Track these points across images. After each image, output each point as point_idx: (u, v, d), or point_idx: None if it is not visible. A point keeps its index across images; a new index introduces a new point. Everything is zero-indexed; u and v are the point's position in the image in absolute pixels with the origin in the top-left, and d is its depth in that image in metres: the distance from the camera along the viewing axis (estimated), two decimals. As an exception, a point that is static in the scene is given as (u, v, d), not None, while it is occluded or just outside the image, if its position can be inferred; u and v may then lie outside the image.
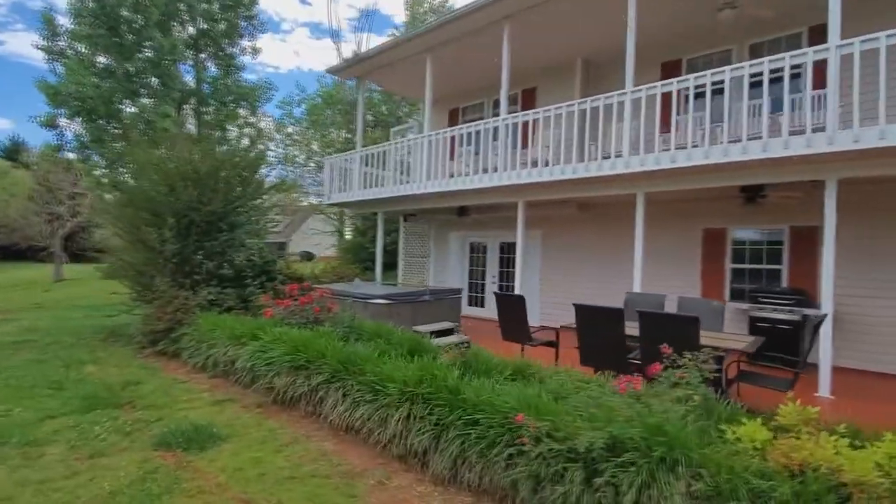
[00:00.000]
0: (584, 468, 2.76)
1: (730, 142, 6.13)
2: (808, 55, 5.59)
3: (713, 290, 8.28)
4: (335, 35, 33.41)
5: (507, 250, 11.56)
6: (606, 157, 7.32)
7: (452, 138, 9.68)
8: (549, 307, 10.29)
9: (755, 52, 8.14)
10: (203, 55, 16.00)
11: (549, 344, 6.28)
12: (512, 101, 11.13)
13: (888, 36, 5.14)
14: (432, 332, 7.08)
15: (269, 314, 6.48)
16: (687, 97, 6.78)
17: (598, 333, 4.94)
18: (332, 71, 11.42)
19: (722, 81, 6.16)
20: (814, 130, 5.57)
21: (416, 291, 8.32)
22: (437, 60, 9.86)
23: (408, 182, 10.47)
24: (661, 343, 4.36)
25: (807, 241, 7.45)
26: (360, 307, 7.73)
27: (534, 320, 10.36)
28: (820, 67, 5.66)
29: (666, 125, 7.10)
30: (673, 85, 6.58)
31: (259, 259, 9.10)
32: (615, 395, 3.35)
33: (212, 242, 8.43)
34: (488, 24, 8.71)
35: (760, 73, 5.87)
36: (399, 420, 3.87)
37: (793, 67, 5.70)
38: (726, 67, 6.13)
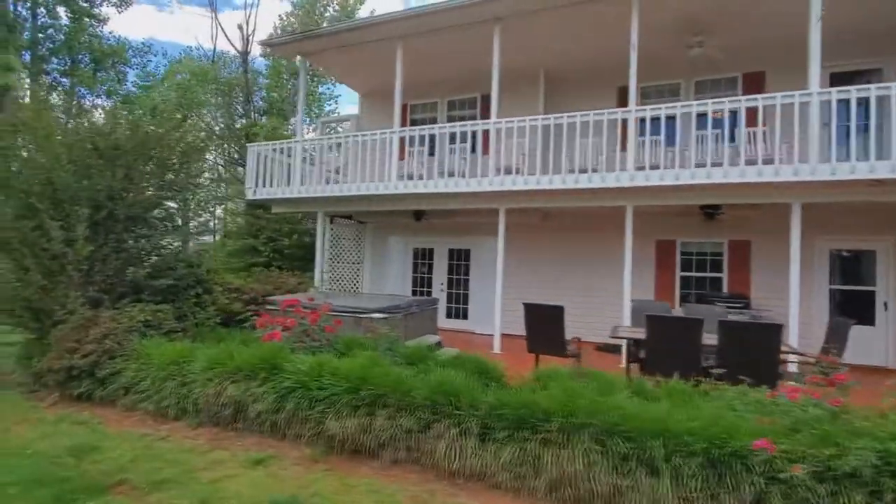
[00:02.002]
0: (863, 490, 2.70)
1: (696, 166, 6.90)
2: (775, 98, 6.58)
3: (665, 295, 9.23)
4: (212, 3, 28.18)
5: (456, 257, 11.25)
6: (594, 171, 7.61)
7: (413, 138, 9.00)
8: (508, 314, 10.27)
9: (699, 87, 9.36)
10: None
11: (575, 355, 6.22)
12: (470, 105, 10.94)
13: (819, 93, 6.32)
14: (429, 347, 6.45)
15: (278, 337, 5.11)
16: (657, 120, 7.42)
17: (672, 342, 5.02)
18: (270, 44, 9.68)
19: (701, 113, 6.93)
20: (764, 162, 6.59)
21: (406, 303, 7.48)
22: (407, 51, 9.10)
23: (344, 181, 9.39)
24: (741, 351, 4.61)
25: (742, 252, 8.80)
26: (351, 323, 6.63)
27: (492, 327, 10.29)
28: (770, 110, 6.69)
29: (622, 145, 7.68)
30: (662, 110, 7.13)
31: (191, 264, 7.21)
32: (795, 407, 3.38)
33: (137, 242, 6.38)
34: (475, 23, 8.34)
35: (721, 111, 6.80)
36: (565, 460, 3.33)
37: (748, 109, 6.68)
38: (694, 102, 6.93)
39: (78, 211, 5.79)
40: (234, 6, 41.73)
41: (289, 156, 10.01)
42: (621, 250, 9.20)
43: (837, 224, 8.14)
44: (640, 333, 5.64)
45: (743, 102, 6.67)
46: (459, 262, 11.21)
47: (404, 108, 11.63)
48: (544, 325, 6.12)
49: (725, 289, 8.89)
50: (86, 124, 6.16)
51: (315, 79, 20.43)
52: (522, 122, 7.97)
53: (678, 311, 8.00)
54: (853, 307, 7.99)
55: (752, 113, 6.98)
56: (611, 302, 9.09)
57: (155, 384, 5.00)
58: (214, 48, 21.99)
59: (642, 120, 7.29)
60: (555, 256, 10.20)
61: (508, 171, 8.41)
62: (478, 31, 8.46)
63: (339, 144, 9.44)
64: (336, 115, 15.74)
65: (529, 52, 9.33)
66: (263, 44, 9.59)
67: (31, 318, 5.97)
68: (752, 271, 8.72)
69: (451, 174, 8.99)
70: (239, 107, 20.68)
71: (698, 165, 6.90)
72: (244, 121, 19.77)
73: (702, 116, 7.25)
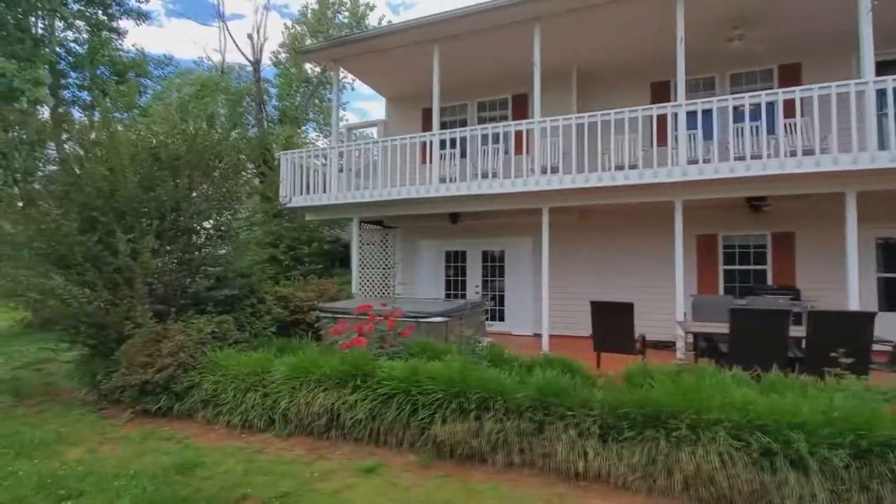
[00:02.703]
0: None
1: (752, 157, 6.90)
2: (830, 88, 6.58)
3: (708, 288, 9.21)
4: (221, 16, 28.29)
5: (490, 258, 11.20)
6: (642, 167, 7.61)
7: (453, 140, 8.97)
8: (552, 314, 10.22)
9: (734, 80, 9.38)
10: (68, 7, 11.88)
11: (640, 352, 6.17)
12: (501, 105, 10.92)
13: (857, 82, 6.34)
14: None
15: (362, 344, 5.03)
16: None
17: (758, 334, 4.98)
18: (306, 51, 9.62)
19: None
20: (820, 152, 6.59)
21: (460, 306, 7.42)
22: (443, 54, 9.07)
23: (379, 186, 9.30)
24: (831, 340, 4.58)
25: (786, 244, 8.80)
26: (401, 326, 6.53)
27: (529, 328, 10.26)
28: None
29: (661, 141, 7.68)
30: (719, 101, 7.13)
31: (244, 275, 7.12)
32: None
33: (199, 253, 6.29)
34: (513, 23, 8.33)
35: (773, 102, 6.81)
36: (700, 458, 3.28)
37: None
38: (761, 92, 6.91)
39: (143, 223, 5.70)
40: (227, 17, 41.57)
41: (324, 163, 9.94)
42: (664, 245, 9.21)
43: (881, 212, 8.16)
44: (719, 327, 5.61)
45: (798, 93, 6.65)
46: (494, 263, 11.16)
47: (430, 112, 11.62)
48: (613, 323, 6.08)
49: (770, 281, 8.88)
50: (142, 135, 6.04)
51: (327, 86, 20.37)
52: (568, 119, 7.95)
53: (740, 303, 7.95)
54: (901, 294, 8.02)
55: (791, 103, 7.00)
56: (655, 298, 9.07)
57: (237, 396, 4.91)
58: (223, 58, 21.89)
59: (691, 114, 7.30)
60: (594, 254, 10.17)
61: (550, 171, 8.40)
62: (515, 31, 8.45)
63: (380, 149, 9.34)
64: (348, 121, 15.62)
65: (563, 50, 9.32)
66: (298, 51, 9.62)
67: (93, 333, 5.85)
68: (796, 262, 8.73)
69: (485, 175, 8.98)
70: (250, 116, 20.59)
71: (754, 157, 6.90)
72: (256, 130, 19.66)
73: (754, 108, 7.22)
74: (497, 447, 3.85)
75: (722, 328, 5.74)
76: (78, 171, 5.80)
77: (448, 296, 11.51)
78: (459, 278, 11.46)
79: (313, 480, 3.61)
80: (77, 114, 12.07)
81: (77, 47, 11.76)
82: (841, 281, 7.34)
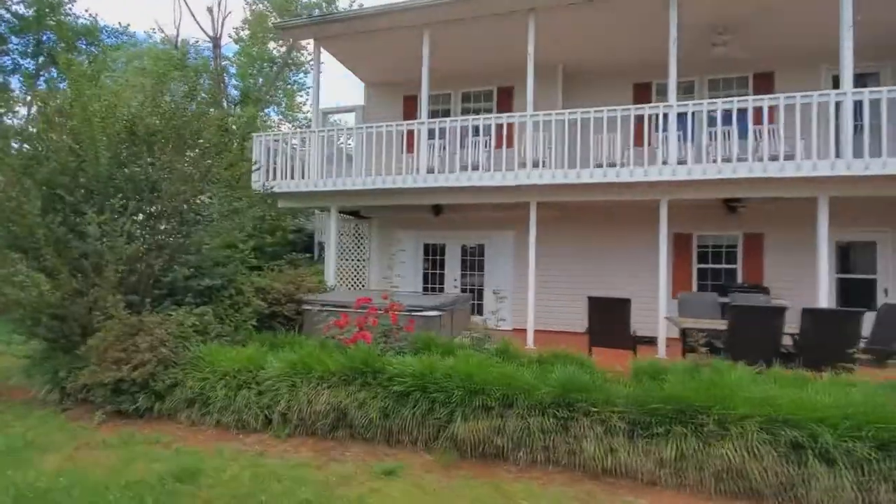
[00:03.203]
0: None
1: (738, 160, 7.23)
2: (812, 97, 6.93)
3: (682, 285, 9.54)
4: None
5: (470, 252, 11.10)
6: (626, 165, 7.77)
7: (442, 130, 8.77)
8: (520, 305, 10.27)
9: (712, 85, 9.73)
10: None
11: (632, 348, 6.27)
12: (486, 97, 10.79)
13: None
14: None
15: (368, 338, 4.76)
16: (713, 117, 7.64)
17: (755, 330, 5.16)
18: (285, 27, 9.02)
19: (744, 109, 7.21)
20: (800, 157, 6.95)
21: (451, 300, 7.27)
22: (432, 41, 8.81)
23: (360, 175, 8.99)
24: (825, 337, 4.82)
25: (756, 244, 9.26)
26: (404, 321, 6.34)
27: (509, 323, 10.23)
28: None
29: (638, 140, 7.89)
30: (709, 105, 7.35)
31: (219, 263, 6.65)
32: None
33: (174, 240, 5.77)
34: (507, 14, 8.20)
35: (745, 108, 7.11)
36: (730, 452, 3.31)
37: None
38: (733, 99, 7.18)
39: (114, 204, 5.13)
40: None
41: (301, 148, 9.46)
42: (643, 243, 9.49)
43: (841, 217, 8.73)
44: (713, 323, 5.78)
45: (782, 100, 6.93)
46: (473, 257, 11.07)
47: (415, 99, 11.33)
48: (610, 318, 6.13)
49: (740, 279, 9.32)
50: (112, 105, 5.41)
51: (293, 67, 19.47)
52: (561, 115, 7.94)
53: (723, 301, 8.20)
54: (856, 295, 8.63)
55: (774, 109, 7.36)
56: (634, 294, 9.28)
57: (228, 394, 4.53)
58: (178, 33, 20.41)
59: (681, 115, 7.47)
60: (575, 250, 10.28)
61: (542, 165, 8.39)
62: (509, 21, 8.34)
63: (363, 135, 8.97)
64: (334, 106, 15.01)
65: (550, 45, 9.28)
66: (277, 27, 8.98)
67: (54, 326, 5.24)
68: (764, 262, 9.21)
69: (474, 168, 8.87)
70: (205, 94, 19.31)
71: (739, 160, 7.16)
72: (213, 111, 18.48)
73: (742, 112, 7.44)
74: (520, 445, 3.75)
75: (716, 324, 5.92)
76: (38, 146, 5.13)
77: (426, 289, 11.33)
78: (438, 271, 11.29)
79: (332, 486, 3.36)
80: (16, 83, 10.77)
81: (23, 10, 10.46)
82: (807, 280, 7.81)
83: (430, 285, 11.31)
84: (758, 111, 7.21)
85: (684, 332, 6.58)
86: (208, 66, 18.90)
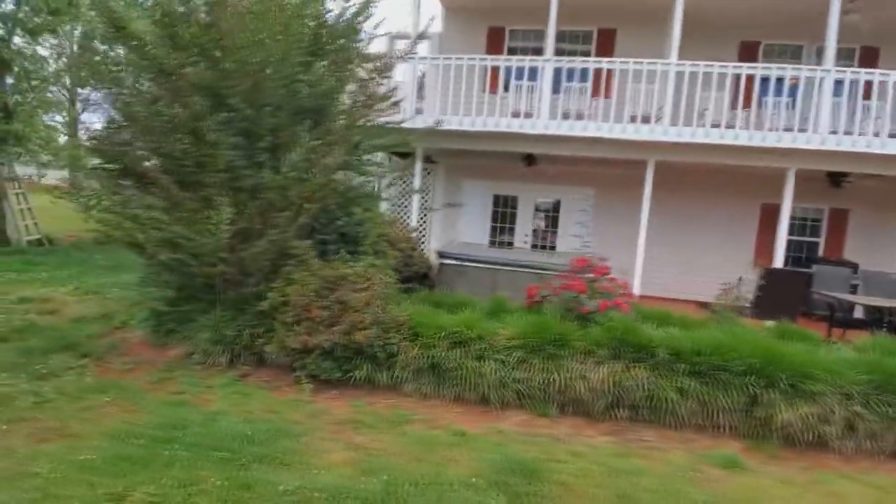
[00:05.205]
0: None
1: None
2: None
3: (764, 256, 9.62)
4: None
5: (543, 207, 10.54)
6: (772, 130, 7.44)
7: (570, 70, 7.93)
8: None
9: (819, 53, 9.41)
10: None
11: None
12: (583, 40, 9.87)
13: None
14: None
15: (625, 308, 4.20)
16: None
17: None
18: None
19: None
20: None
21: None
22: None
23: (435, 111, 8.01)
24: None
25: (840, 219, 9.42)
26: (522, 279, 5.74)
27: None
28: None
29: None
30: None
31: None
32: None
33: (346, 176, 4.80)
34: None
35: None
36: None
37: None
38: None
39: (296, 129, 4.07)
40: None
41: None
42: (735, 210, 9.41)
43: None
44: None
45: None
46: (547, 212, 10.54)
47: (500, 32, 10.19)
48: (783, 291, 5.94)
49: (820, 252, 9.52)
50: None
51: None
52: (710, 66, 7.32)
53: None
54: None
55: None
56: (711, 265, 9.29)
57: (469, 365, 3.87)
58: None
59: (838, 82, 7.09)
60: (653, 214, 10.00)
61: (654, 121, 7.87)
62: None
63: (464, 68, 7.83)
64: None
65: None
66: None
67: (214, 273, 4.23)
68: (847, 237, 9.42)
69: (578, 116, 8.21)
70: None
71: (891, 135, 6.97)
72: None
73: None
74: (845, 434, 3.48)
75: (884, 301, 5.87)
76: (202, 36, 3.86)
77: (492, 243, 10.74)
78: (508, 225, 10.69)
79: (691, 481, 2.92)
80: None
81: None
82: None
83: (496, 239, 10.72)
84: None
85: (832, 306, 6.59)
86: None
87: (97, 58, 4.32)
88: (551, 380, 3.79)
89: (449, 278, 6.15)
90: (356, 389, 3.92)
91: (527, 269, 6.15)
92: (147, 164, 4.29)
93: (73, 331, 4.76)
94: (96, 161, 4.51)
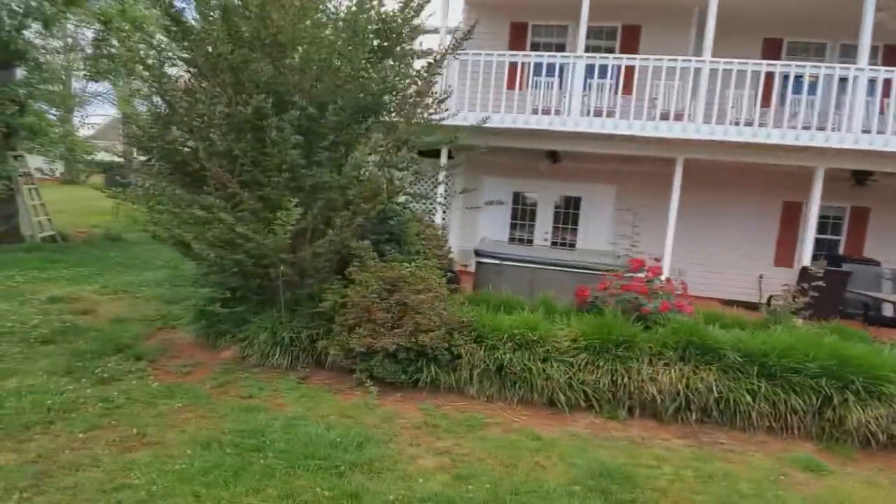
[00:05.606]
0: None
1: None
2: None
3: (785, 254, 9.67)
4: None
5: (564, 205, 10.50)
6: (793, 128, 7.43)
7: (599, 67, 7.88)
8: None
9: (844, 51, 9.43)
10: None
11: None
12: (608, 35, 9.80)
13: None
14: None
15: (689, 310, 4.18)
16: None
17: None
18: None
19: None
20: None
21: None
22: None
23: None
24: None
25: (861, 218, 9.47)
26: (568, 280, 5.71)
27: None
28: None
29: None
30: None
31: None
32: None
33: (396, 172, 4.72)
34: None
35: None
36: None
37: None
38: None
39: (354, 128, 3.99)
40: None
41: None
42: (756, 209, 9.44)
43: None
44: None
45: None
46: (567, 210, 10.50)
47: (524, 27, 10.10)
48: (832, 291, 5.93)
49: (841, 251, 9.57)
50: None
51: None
52: (744, 64, 7.28)
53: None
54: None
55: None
56: (729, 262, 9.34)
57: (533, 366, 3.83)
58: None
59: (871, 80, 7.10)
60: (684, 212, 10.01)
61: (687, 119, 7.84)
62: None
63: (494, 64, 7.76)
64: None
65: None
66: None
67: (264, 274, 4.16)
68: (867, 236, 9.48)
69: (604, 114, 8.15)
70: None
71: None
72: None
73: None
74: (917, 435, 3.48)
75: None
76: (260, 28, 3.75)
77: (511, 240, 10.69)
78: (527, 222, 10.64)
79: (787, 485, 2.91)
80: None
81: None
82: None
83: (516, 236, 10.68)
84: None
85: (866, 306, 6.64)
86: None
87: (151, 52, 4.15)
88: (620, 382, 3.77)
89: (486, 277, 6.10)
90: (418, 392, 3.88)
91: (569, 269, 6.10)
92: (196, 163, 4.19)
93: (116, 332, 4.66)
94: (142, 158, 4.41)
